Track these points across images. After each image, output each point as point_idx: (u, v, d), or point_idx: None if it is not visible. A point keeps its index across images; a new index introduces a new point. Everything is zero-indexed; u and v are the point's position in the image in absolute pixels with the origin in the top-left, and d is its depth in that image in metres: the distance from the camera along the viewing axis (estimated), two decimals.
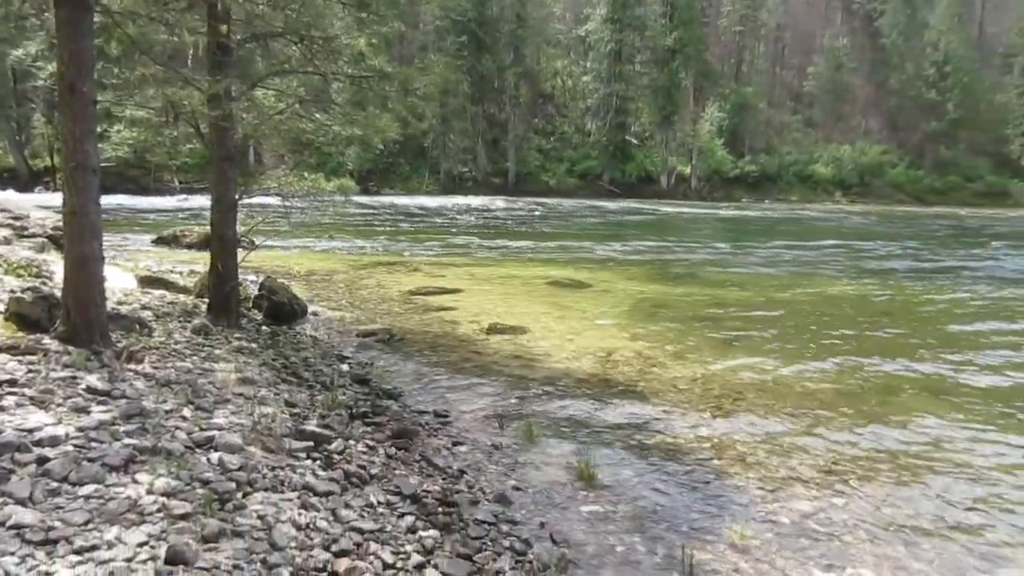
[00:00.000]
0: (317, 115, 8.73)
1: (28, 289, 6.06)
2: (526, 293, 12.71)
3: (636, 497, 4.76)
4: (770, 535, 4.33)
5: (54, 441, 3.68)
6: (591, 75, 60.35)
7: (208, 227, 8.44)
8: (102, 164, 5.72)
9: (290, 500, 3.68)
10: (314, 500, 3.77)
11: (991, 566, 4.08)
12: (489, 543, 3.88)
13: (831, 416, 6.50)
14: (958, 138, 68.69)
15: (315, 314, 9.97)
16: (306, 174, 10.36)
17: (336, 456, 4.53)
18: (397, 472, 4.60)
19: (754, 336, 9.66)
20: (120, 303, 7.78)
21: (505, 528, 4.12)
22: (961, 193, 64.78)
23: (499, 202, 43.88)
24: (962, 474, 5.34)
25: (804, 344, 9.38)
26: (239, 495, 3.58)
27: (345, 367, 7.40)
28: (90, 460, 3.57)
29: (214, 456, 3.93)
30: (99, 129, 6.10)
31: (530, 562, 3.77)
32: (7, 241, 10.71)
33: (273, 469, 4.01)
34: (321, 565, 3.17)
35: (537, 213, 36.72)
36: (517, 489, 4.78)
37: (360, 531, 3.57)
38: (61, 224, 5.85)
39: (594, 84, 59.69)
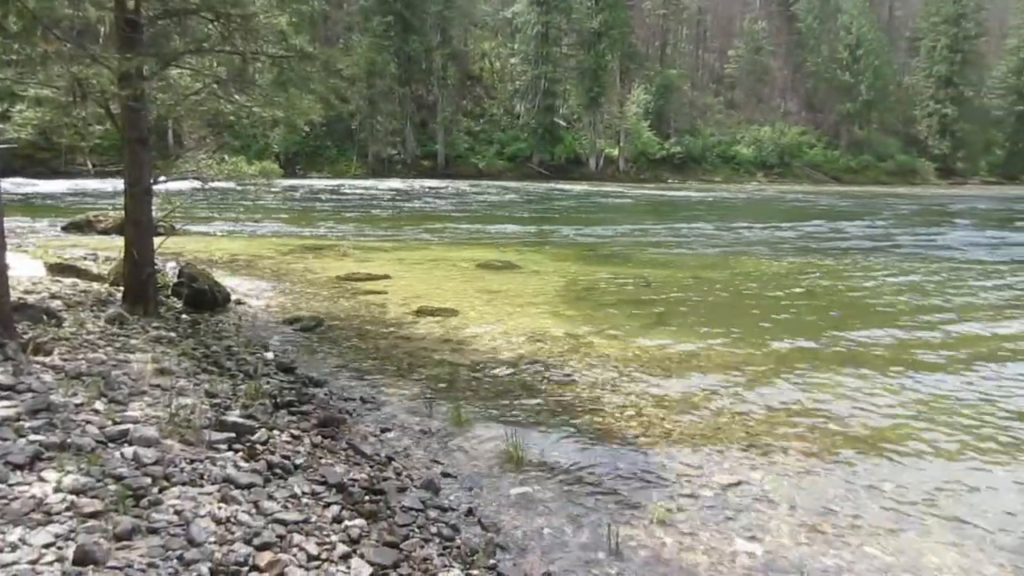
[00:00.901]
0: (236, 96, 8.44)
1: None
2: (456, 276, 12.66)
3: (564, 478, 4.80)
4: (695, 509, 4.42)
5: None
6: (519, 57, 60.33)
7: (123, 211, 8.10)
8: (6, 145, 5.40)
9: (210, 494, 3.56)
10: (235, 493, 3.66)
11: (903, 529, 4.27)
12: (417, 530, 3.85)
13: (757, 393, 6.67)
14: (870, 119, 71.49)
15: (239, 301, 9.70)
16: (227, 157, 10.03)
17: (259, 447, 4.41)
18: (323, 461, 4.51)
19: (684, 316, 9.84)
20: (27, 292, 7.42)
21: (433, 514, 4.09)
22: (874, 172, 67.63)
23: (428, 185, 43.52)
24: (876, 444, 5.57)
25: (735, 323, 9.60)
26: (155, 490, 3.46)
27: (270, 355, 7.20)
28: None
29: (128, 450, 3.78)
30: None
31: (458, 548, 3.76)
32: None
33: (192, 462, 3.88)
34: (242, 559, 3.07)
35: (466, 195, 36.56)
36: (446, 475, 4.76)
37: (283, 523, 3.48)
38: None
39: (522, 66, 59.70)
